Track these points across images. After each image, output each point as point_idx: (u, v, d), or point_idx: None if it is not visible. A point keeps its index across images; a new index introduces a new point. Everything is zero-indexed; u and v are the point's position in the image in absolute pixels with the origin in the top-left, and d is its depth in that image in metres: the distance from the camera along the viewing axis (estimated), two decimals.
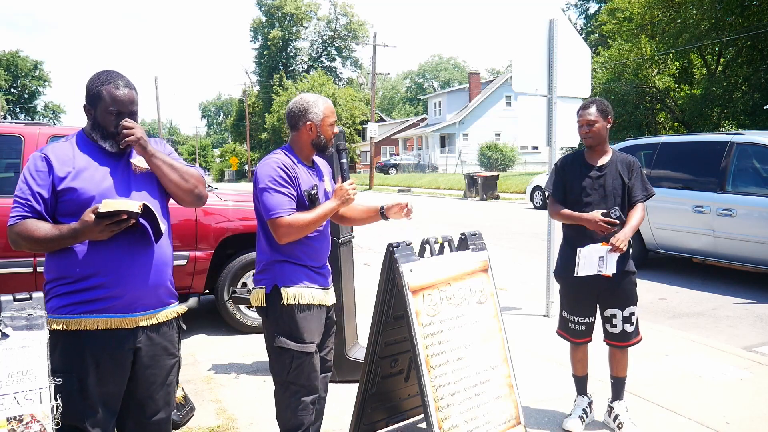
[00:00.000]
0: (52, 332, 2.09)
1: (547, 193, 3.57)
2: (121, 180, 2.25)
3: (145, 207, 2.14)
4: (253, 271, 5.27)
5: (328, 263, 2.80)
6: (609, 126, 3.40)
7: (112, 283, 2.18)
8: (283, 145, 2.76)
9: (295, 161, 2.65)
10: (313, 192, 2.61)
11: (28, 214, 2.15)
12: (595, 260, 3.21)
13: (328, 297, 2.73)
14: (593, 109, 3.35)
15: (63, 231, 2.12)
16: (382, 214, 2.84)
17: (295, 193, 2.57)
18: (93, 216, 2.08)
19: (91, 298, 2.17)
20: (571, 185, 3.43)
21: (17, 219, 2.15)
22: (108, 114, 2.21)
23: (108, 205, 2.07)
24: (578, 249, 3.25)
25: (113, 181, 2.23)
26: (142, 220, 2.18)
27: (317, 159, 2.82)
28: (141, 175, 2.30)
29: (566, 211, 3.39)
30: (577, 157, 3.48)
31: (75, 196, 2.16)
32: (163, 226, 2.26)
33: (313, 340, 2.63)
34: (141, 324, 2.25)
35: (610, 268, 3.23)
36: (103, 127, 2.23)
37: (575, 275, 3.26)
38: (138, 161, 2.31)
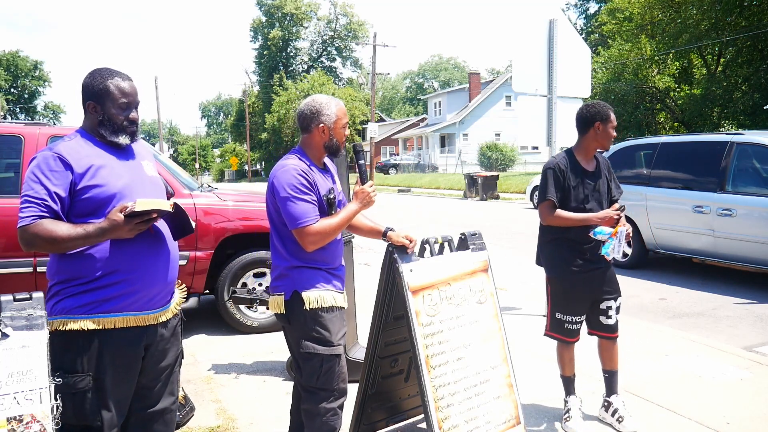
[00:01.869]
0: (67, 332, 2.11)
1: (543, 198, 3.37)
2: (135, 177, 2.29)
3: (176, 206, 2.18)
4: (254, 270, 5.38)
5: (343, 263, 2.77)
6: None
7: (133, 280, 2.20)
8: (294, 149, 2.70)
9: (310, 165, 2.59)
10: (331, 196, 2.59)
11: (45, 214, 2.10)
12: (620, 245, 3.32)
13: (344, 300, 2.69)
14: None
15: (89, 230, 2.09)
16: (384, 236, 2.86)
17: (316, 199, 2.53)
18: (122, 216, 2.08)
19: (109, 296, 2.17)
20: (575, 193, 3.36)
21: (33, 219, 2.09)
22: (119, 107, 2.22)
23: (144, 204, 2.09)
24: (606, 233, 3.26)
25: (129, 178, 2.26)
26: (162, 221, 2.25)
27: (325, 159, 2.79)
28: (153, 176, 2.38)
29: (574, 215, 3.32)
30: (570, 161, 3.40)
31: (95, 194, 2.16)
32: (194, 223, 2.32)
33: (340, 342, 2.60)
34: (153, 322, 2.28)
35: (618, 253, 3.35)
36: (114, 121, 2.23)
37: (609, 259, 3.33)
38: (147, 165, 2.37)
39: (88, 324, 2.14)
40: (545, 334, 3.58)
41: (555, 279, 3.47)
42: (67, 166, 2.14)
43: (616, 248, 3.28)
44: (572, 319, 3.45)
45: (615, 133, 3.39)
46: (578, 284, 3.39)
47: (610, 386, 3.53)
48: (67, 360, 2.10)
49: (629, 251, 2.96)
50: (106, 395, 2.18)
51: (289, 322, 2.59)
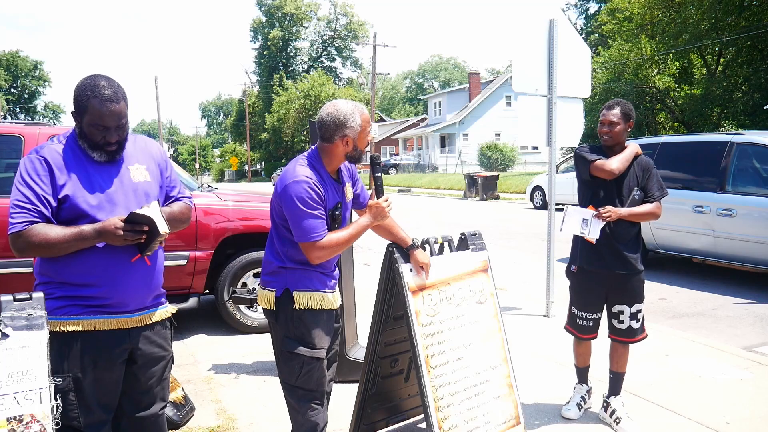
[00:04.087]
0: (49, 333, 2.10)
1: (594, 159, 3.41)
2: (121, 186, 2.24)
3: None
4: (254, 270, 5.38)
5: (335, 266, 2.76)
6: (629, 129, 3.45)
7: (110, 292, 2.19)
8: (310, 151, 2.62)
9: (323, 175, 2.54)
10: (337, 212, 2.57)
11: (37, 219, 2.07)
12: (578, 221, 3.37)
13: (336, 299, 2.68)
14: (617, 111, 3.39)
15: (85, 230, 2.08)
16: (409, 250, 2.86)
17: (324, 213, 2.50)
18: (121, 223, 2.09)
19: (89, 303, 2.17)
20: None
21: (25, 225, 2.05)
22: (94, 127, 2.14)
23: (148, 211, 2.12)
24: (566, 206, 3.43)
25: (114, 187, 2.22)
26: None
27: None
28: (140, 182, 2.30)
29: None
30: (597, 152, 3.49)
31: (75, 203, 2.12)
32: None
33: (323, 345, 2.59)
34: (137, 324, 2.28)
35: (593, 233, 3.34)
36: (90, 138, 2.17)
37: (559, 231, 3.47)
38: (136, 170, 2.31)
39: (68, 326, 2.14)
40: (564, 327, 3.69)
41: (571, 274, 3.57)
42: (50, 173, 2.11)
43: (590, 229, 3.35)
44: (583, 315, 3.52)
45: (604, 128, 3.42)
46: (590, 281, 3.47)
47: (613, 387, 3.54)
48: (48, 361, 2.10)
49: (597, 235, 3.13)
50: (87, 396, 2.18)
51: (276, 319, 2.60)
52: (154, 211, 2.15)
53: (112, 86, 2.15)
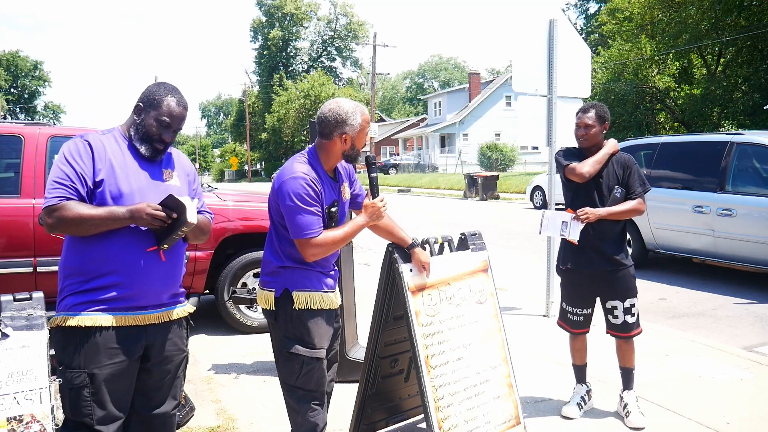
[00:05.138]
0: (66, 329, 2.14)
1: (567, 164, 3.48)
2: (153, 183, 2.30)
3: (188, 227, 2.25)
4: (254, 270, 5.38)
5: (334, 265, 2.77)
6: (605, 131, 3.52)
7: (128, 283, 2.22)
8: (308, 149, 2.65)
9: (320, 173, 2.56)
10: (333, 210, 2.58)
11: (72, 196, 2.14)
12: (558, 224, 3.46)
13: (336, 299, 2.68)
14: (592, 114, 3.47)
15: (117, 210, 2.15)
16: (409, 249, 2.87)
17: (321, 210, 2.52)
18: (155, 204, 2.16)
19: (107, 297, 2.19)
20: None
21: (60, 200, 2.13)
22: (158, 122, 2.26)
23: (184, 200, 2.19)
24: (542, 211, 3.54)
25: (146, 183, 2.28)
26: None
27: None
28: (171, 185, 2.37)
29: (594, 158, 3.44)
30: (576, 154, 3.56)
31: (107, 191, 2.19)
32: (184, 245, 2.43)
33: (323, 345, 2.59)
34: (154, 321, 2.30)
35: (573, 235, 3.42)
36: (146, 130, 2.27)
37: (538, 234, 3.61)
38: (169, 174, 2.39)
39: (85, 321, 2.16)
40: (556, 323, 3.79)
41: (559, 269, 3.67)
42: (92, 156, 2.20)
43: (570, 231, 3.44)
44: (574, 310, 3.61)
45: (580, 131, 3.49)
46: (579, 277, 3.54)
47: (624, 382, 3.60)
48: (65, 356, 2.15)
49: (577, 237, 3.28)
50: (102, 393, 2.19)
51: (275, 319, 2.60)
52: (189, 202, 2.21)
53: (183, 97, 2.36)
